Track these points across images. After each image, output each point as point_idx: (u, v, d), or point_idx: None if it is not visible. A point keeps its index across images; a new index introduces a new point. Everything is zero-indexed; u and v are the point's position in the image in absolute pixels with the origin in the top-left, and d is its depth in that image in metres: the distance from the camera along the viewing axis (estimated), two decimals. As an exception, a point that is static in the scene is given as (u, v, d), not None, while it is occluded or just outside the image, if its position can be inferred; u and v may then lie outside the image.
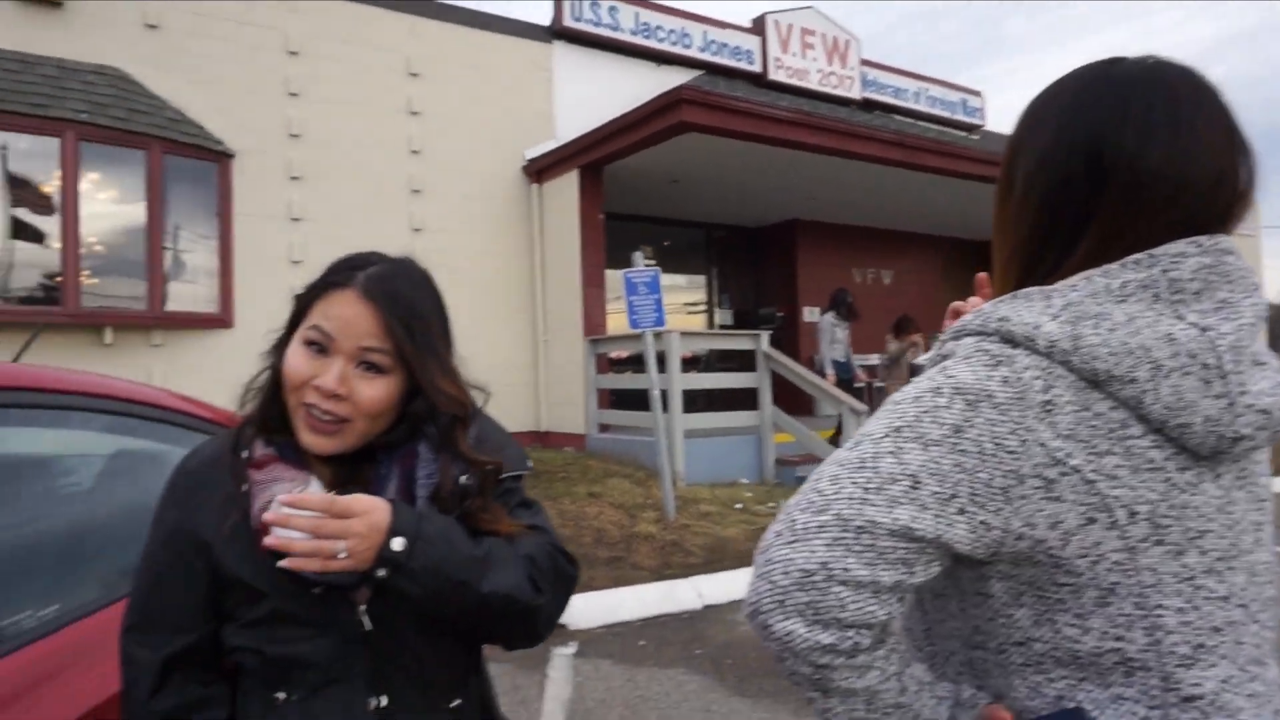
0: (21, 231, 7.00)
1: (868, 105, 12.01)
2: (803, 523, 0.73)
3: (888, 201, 11.18)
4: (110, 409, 1.73)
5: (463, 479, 1.11)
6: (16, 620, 1.37)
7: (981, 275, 1.13)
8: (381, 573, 0.99)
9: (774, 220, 12.29)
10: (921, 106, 12.77)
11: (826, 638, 0.71)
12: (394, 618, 1.07)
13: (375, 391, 1.06)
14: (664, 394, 7.15)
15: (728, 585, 5.63)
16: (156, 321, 7.38)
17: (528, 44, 9.61)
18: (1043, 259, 0.83)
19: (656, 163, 8.85)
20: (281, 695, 1.06)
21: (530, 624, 1.11)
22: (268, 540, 1.00)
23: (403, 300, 1.09)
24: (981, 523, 0.73)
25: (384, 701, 1.06)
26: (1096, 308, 0.76)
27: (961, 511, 0.72)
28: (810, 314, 12.18)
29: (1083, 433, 0.73)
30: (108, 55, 7.43)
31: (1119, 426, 0.74)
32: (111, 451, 1.95)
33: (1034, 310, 0.78)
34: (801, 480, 7.97)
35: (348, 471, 1.12)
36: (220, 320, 7.77)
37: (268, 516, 1.02)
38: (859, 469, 0.74)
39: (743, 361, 10.08)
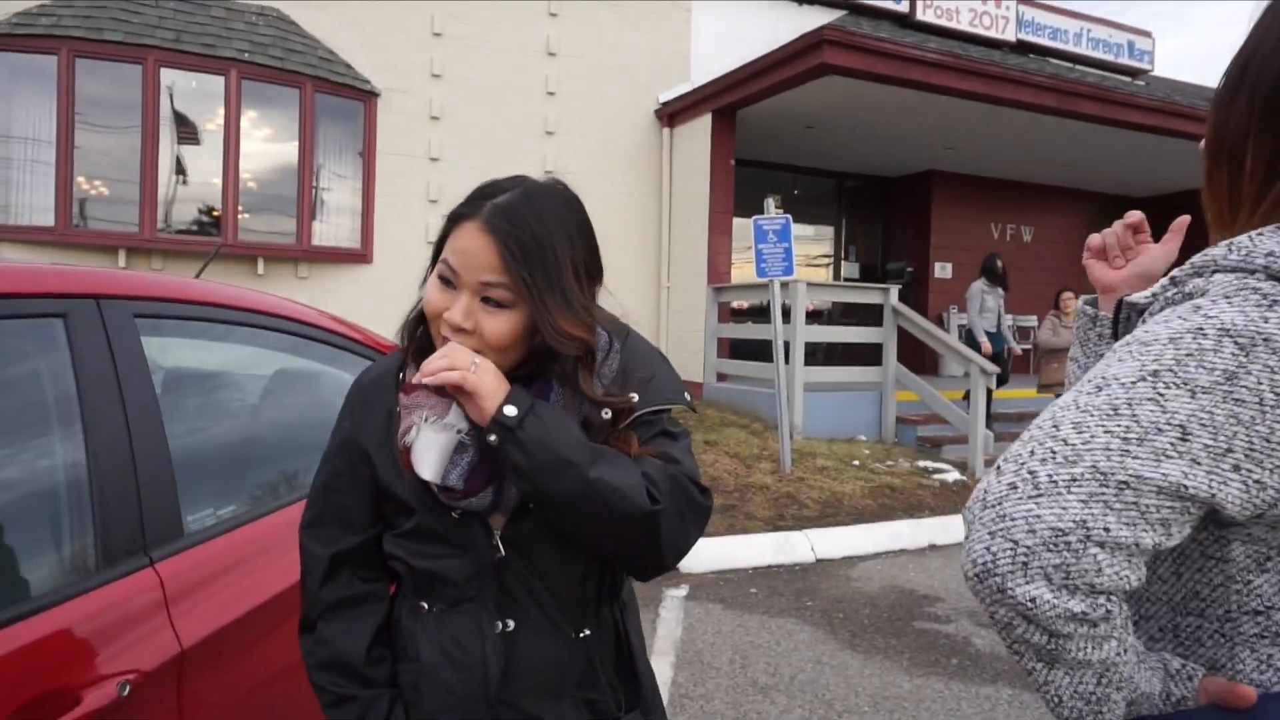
0: (190, 168, 7.51)
1: (1022, 47, 11.26)
2: (1047, 475, 0.66)
3: (1035, 152, 10.55)
4: (281, 327, 1.86)
5: (602, 414, 1.11)
6: (201, 516, 1.52)
7: (1182, 219, 1.05)
8: (492, 438, 1.02)
9: (910, 170, 11.81)
10: (1082, 49, 11.87)
11: (1077, 604, 0.65)
12: (528, 545, 1.10)
13: (499, 326, 1.06)
14: (786, 346, 7.08)
15: (842, 540, 5.60)
16: (304, 254, 7.81)
17: (665, -17, 9.46)
18: None
19: (792, 107, 8.62)
20: (425, 605, 1.14)
21: (651, 537, 1.06)
22: (411, 460, 1.09)
23: (525, 233, 1.06)
24: (1256, 481, 0.66)
25: (510, 625, 1.11)
26: None
27: (1236, 468, 0.66)
28: (942, 270, 11.73)
29: None
30: (267, -4, 7.78)
31: None
32: (275, 369, 2.11)
33: None
34: (922, 441, 7.84)
35: None
36: (361, 255, 8.15)
37: (405, 440, 1.11)
38: (1112, 416, 0.67)
39: (866, 316, 9.86)
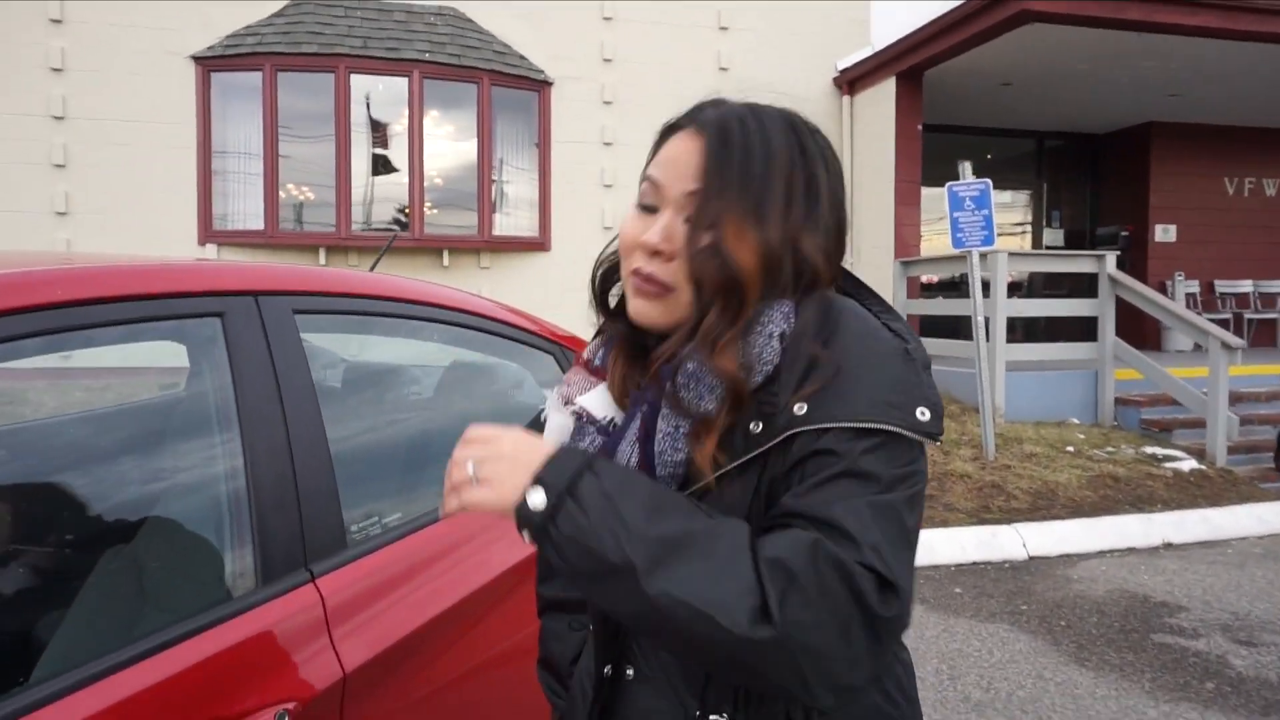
0: (380, 168, 7.86)
1: (1259, -25, 9.81)
2: None
3: (1278, 92, 9.15)
4: (449, 319, 1.74)
5: (751, 427, 0.79)
6: (366, 524, 1.42)
7: None
8: (525, 535, 0.76)
9: (1123, 124, 10.59)
10: (1337, -30, 10.19)
11: None
12: None
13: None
14: (985, 322, 6.49)
15: (1058, 536, 5.03)
16: (485, 245, 7.99)
17: (841, -57, 8.93)
18: None
19: (985, 64, 7.89)
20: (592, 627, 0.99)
21: (767, 669, 0.70)
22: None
23: (749, 136, 0.84)
24: None
25: (611, 671, 0.92)
26: None
27: None
28: (1164, 233, 10.47)
29: None
30: (444, -4, 7.99)
31: None
32: (444, 363, 2.01)
33: None
34: (1148, 424, 6.98)
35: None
36: (539, 244, 8.25)
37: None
38: None
39: (1075, 287, 8.92)
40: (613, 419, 0.91)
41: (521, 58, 8.08)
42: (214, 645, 1.11)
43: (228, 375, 1.27)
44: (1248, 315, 10.23)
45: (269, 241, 7.52)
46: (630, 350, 0.94)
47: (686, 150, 0.87)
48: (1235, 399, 6.86)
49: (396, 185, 7.85)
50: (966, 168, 5.93)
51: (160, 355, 1.37)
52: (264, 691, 1.13)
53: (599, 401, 0.93)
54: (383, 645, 1.29)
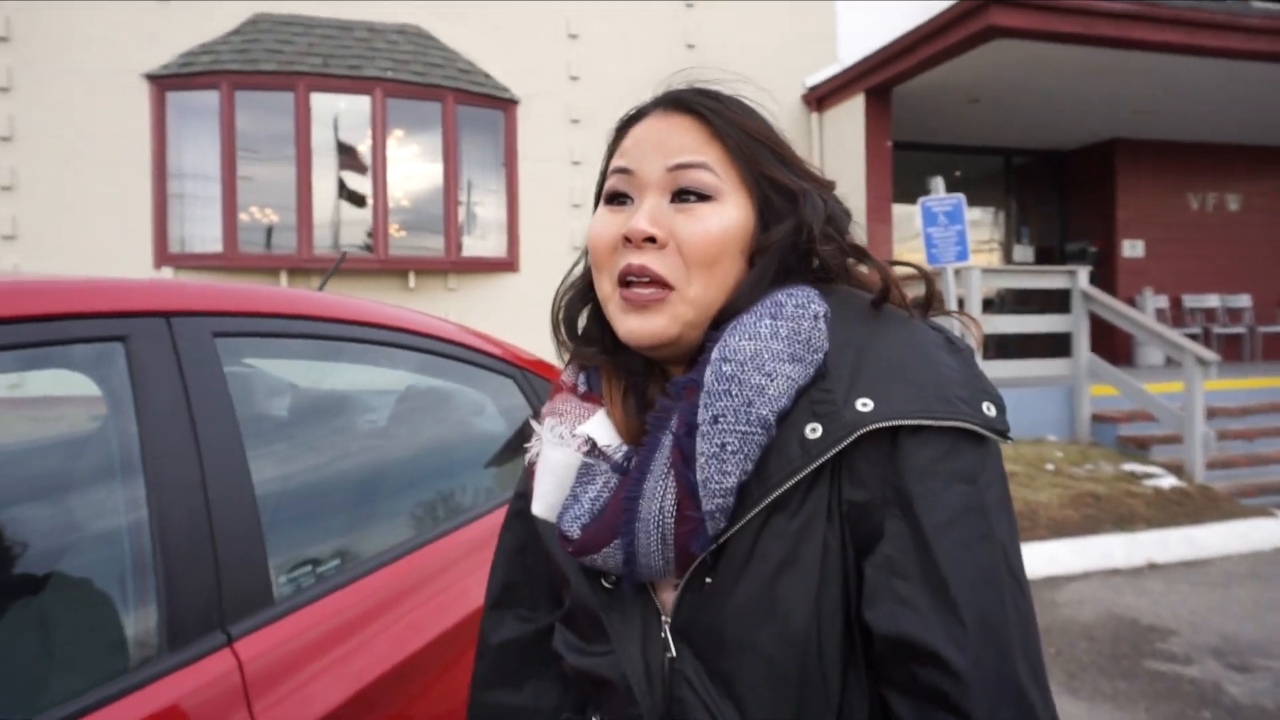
0: (343, 189, 7.67)
1: (1218, -6, 9.96)
2: None
3: (1242, 109, 9.25)
4: (401, 342, 1.58)
5: (808, 431, 0.66)
6: (296, 576, 1.24)
7: None
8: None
9: (1089, 141, 10.68)
10: (1292, -11, 10.39)
11: None
12: (710, 639, 0.69)
13: (701, 225, 0.72)
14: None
15: (1042, 558, 4.92)
16: (452, 266, 7.81)
17: (808, -39, 8.92)
18: None
19: (954, 80, 7.89)
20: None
21: None
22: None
23: (729, 108, 0.78)
24: None
25: None
26: None
27: None
28: (1131, 248, 10.54)
29: None
30: (408, 13, 7.84)
31: None
32: (403, 388, 1.84)
33: None
34: (1125, 440, 6.93)
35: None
36: (507, 265, 8.08)
37: (528, 458, 0.80)
38: None
39: (1045, 303, 8.91)
40: (628, 453, 0.75)
41: (486, 75, 7.95)
42: (105, 730, 0.93)
43: (130, 408, 1.09)
44: (1215, 329, 10.29)
45: (228, 264, 7.28)
46: (626, 375, 0.79)
47: (667, 125, 0.76)
48: (1210, 414, 6.83)
49: (360, 206, 7.65)
50: (939, 183, 5.87)
51: (60, 386, 1.19)
52: (164, 785, 0.95)
53: (605, 431, 0.77)
54: (311, 717, 1.11)
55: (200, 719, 1.02)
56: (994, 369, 7.02)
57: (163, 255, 7.27)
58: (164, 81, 7.23)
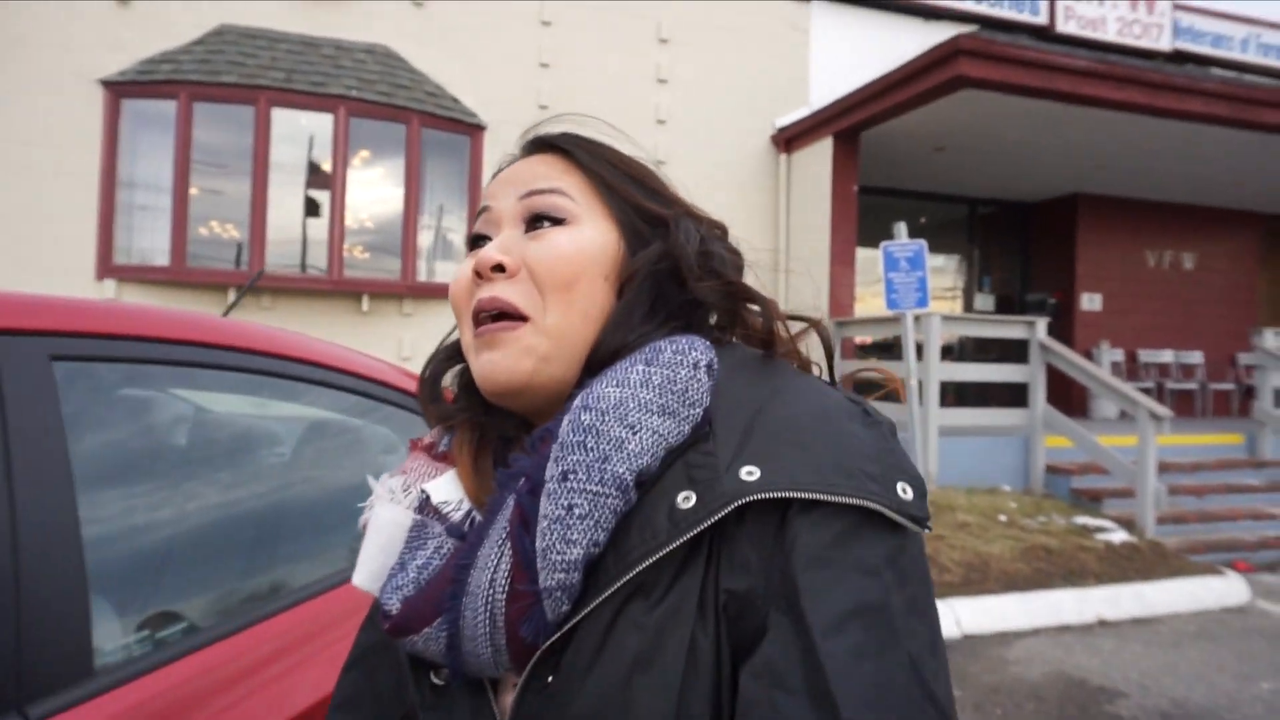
0: (300, 207, 7.49)
1: (1178, 57, 10.21)
2: None
3: (1197, 170, 9.44)
4: (283, 371, 1.43)
5: (679, 501, 0.56)
6: (127, 642, 1.07)
7: None
8: None
9: (1052, 194, 10.84)
10: (1250, 56, 10.69)
11: None
12: None
13: (553, 244, 0.66)
14: (918, 385, 6.38)
15: (993, 612, 4.83)
16: (408, 291, 7.64)
17: (783, 3, 8.99)
18: None
19: (921, 127, 7.94)
20: None
21: None
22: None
23: (593, 143, 0.75)
24: None
25: None
26: None
27: None
28: (1090, 301, 10.66)
29: None
30: (378, 33, 7.74)
31: None
32: (242, 426, 1.68)
33: None
34: (1078, 493, 6.91)
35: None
36: (467, 290, 7.93)
37: (361, 520, 0.70)
38: None
39: (1005, 352, 8.94)
40: (470, 513, 0.64)
41: (455, 100, 7.85)
42: None
43: (-71, 441, 0.94)
44: (1169, 384, 10.40)
45: (175, 279, 7.05)
46: (483, 431, 0.69)
47: (522, 164, 0.73)
48: (1162, 468, 6.84)
49: (316, 224, 7.48)
50: (901, 228, 5.86)
51: None
52: None
53: (449, 490, 0.66)
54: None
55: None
56: (951, 417, 6.98)
57: (106, 267, 7.03)
58: (120, 88, 7.04)
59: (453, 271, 0.74)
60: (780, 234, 8.81)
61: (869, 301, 10.24)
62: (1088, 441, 6.68)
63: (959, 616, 4.73)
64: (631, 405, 0.57)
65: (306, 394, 1.50)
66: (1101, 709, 3.73)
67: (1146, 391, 9.66)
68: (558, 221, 0.67)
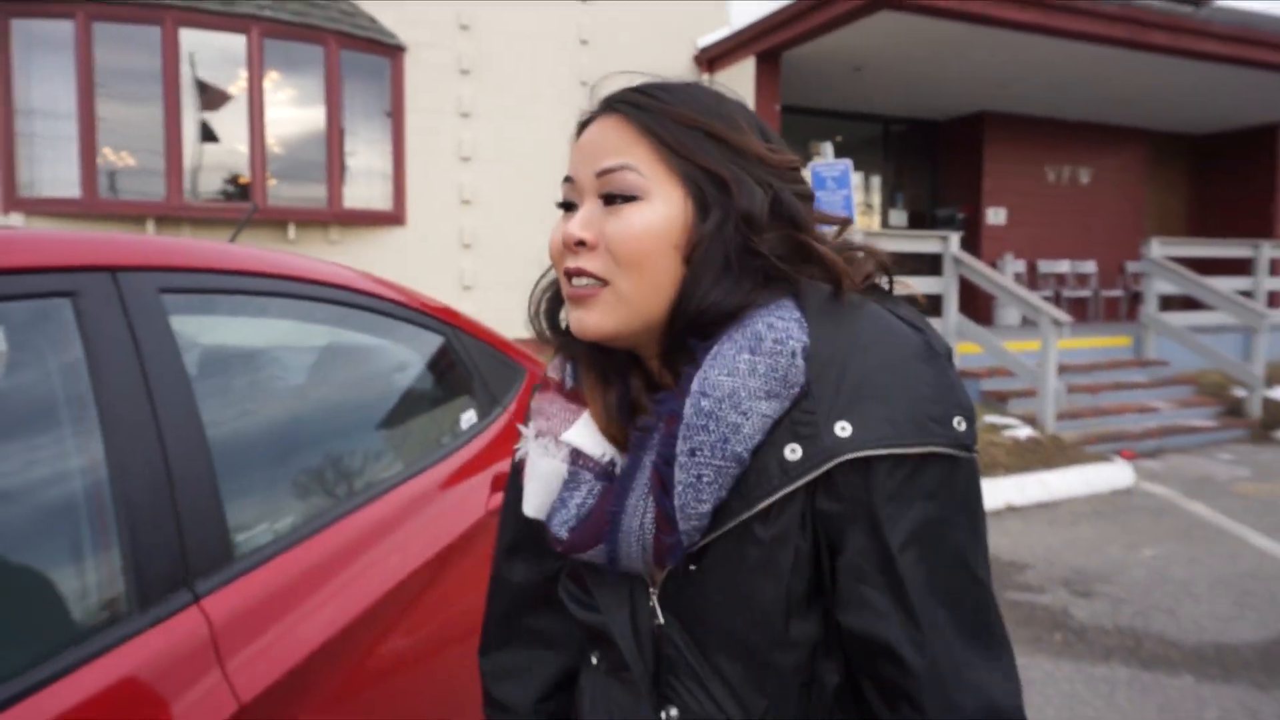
0: (211, 134, 7.23)
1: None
2: None
3: (1093, 90, 9.95)
4: (345, 300, 1.57)
5: (787, 452, 0.71)
6: (254, 533, 1.24)
7: None
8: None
9: (959, 113, 11.25)
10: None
11: None
12: (692, 612, 0.77)
13: (624, 224, 0.74)
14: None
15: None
16: (334, 218, 7.54)
17: (700, -80, 8.92)
18: None
19: (840, 48, 8.13)
20: (594, 659, 0.87)
21: None
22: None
23: (658, 103, 0.77)
24: None
25: (673, 713, 0.78)
26: None
27: None
28: (995, 215, 11.22)
29: None
30: (286, -52, 7.41)
31: None
32: (324, 344, 1.83)
33: None
34: (987, 395, 7.46)
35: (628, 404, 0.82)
36: (393, 217, 7.86)
37: (516, 456, 0.86)
38: None
39: (918, 266, 9.41)
40: (611, 459, 0.80)
41: (372, 20, 7.63)
42: (79, 691, 0.93)
43: (83, 368, 1.07)
44: (1065, 292, 11.13)
45: (88, 210, 6.79)
46: (604, 371, 0.83)
47: (596, 131, 0.79)
48: (1061, 370, 7.44)
49: (235, 153, 7.25)
50: (828, 148, 6.10)
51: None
52: (147, 738, 0.96)
53: (590, 438, 0.81)
54: (283, 669, 1.13)
55: (175, 675, 1.03)
56: (872, 328, 7.37)
57: (11, 200, 6.71)
58: (8, 6, 6.60)
59: (552, 231, 0.81)
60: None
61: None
62: (996, 347, 7.19)
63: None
64: (743, 394, 0.71)
65: (350, 318, 1.65)
66: (1012, 579, 4.21)
67: (1046, 300, 10.32)
68: (629, 198, 0.75)
